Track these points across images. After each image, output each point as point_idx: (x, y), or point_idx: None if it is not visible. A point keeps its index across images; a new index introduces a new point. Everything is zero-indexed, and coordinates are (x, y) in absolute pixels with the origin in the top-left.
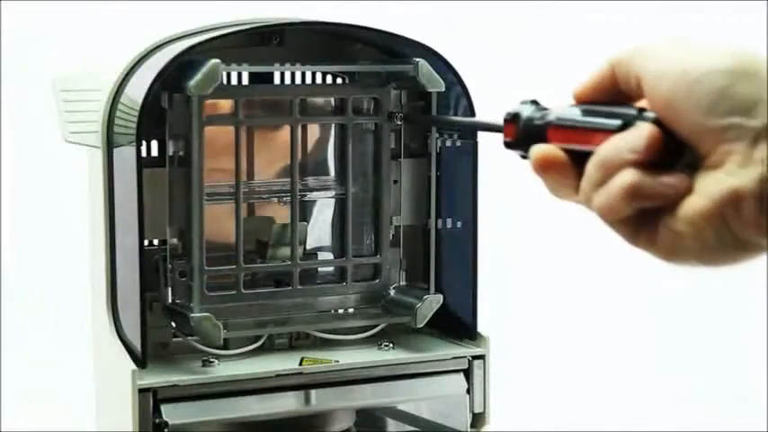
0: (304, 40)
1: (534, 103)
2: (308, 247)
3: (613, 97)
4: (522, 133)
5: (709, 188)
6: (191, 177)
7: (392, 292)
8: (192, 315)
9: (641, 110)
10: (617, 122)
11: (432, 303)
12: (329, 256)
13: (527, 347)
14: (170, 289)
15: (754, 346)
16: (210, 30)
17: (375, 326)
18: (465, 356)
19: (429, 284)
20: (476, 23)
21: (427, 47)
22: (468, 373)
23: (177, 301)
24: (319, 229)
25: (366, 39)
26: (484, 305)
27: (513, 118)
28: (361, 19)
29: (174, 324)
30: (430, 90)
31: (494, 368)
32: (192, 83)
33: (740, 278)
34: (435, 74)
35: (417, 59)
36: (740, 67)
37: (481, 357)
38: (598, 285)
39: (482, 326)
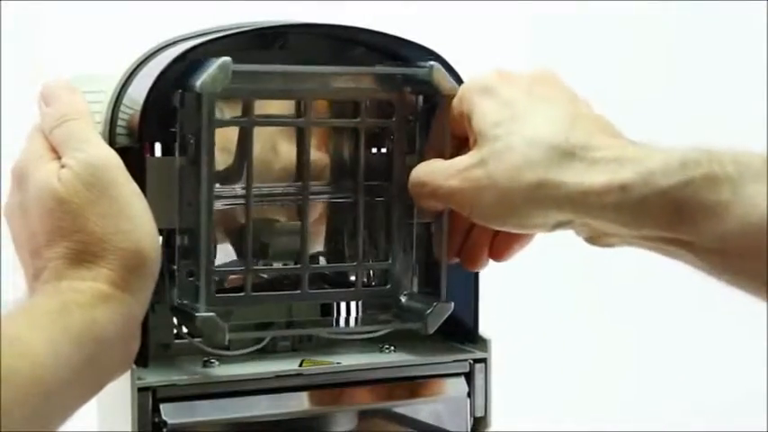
0: (308, 43)
1: None
2: (316, 250)
3: None
4: None
5: None
6: (199, 177)
7: (403, 299)
8: (198, 315)
9: None
10: None
11: (442, 310)
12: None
13: (529, 351)
14: (176, 290)
15: (753, 346)
16: (213, 32)
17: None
18: (466, 360)
19: (440, 290)
20: (476, 24)
21: (433, 51)
22: (469, 377)
23: (184, 302)
24: (328, 233)
25: (370, 42)
26: (486, 308)
27: None
28: (365, 22)
29: (178, 324)
30: (445, 94)
31: (495, 372)
32: (201, 80)
33: None
34: (449, 77)
35: (432, 63)
36: None
37: (483, 361)
38: (601, 288)
39: (484, 329)
